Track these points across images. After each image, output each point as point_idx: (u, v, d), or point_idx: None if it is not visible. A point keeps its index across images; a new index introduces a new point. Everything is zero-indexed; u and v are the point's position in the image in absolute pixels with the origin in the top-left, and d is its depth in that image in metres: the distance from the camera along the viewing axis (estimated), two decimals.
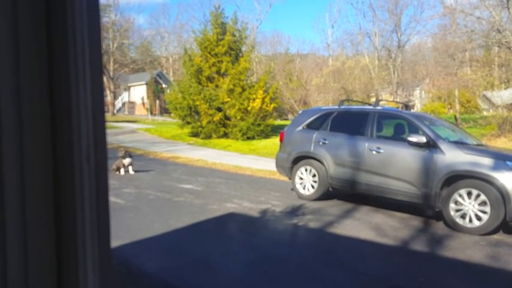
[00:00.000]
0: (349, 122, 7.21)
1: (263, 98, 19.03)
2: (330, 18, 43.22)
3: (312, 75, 31.16)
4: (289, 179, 7.74)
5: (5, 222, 0.62)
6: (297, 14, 63.05)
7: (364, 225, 5.69)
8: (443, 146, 5.92)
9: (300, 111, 8.59)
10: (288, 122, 26.55)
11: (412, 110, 11.64)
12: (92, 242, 0.70)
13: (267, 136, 18.90)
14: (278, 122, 25.27)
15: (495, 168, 5.38)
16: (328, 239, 5.23)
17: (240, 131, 18.54)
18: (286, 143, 7.83)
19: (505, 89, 23.13)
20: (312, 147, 7.28)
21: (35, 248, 0.65)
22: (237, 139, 18.39)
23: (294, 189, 7.56)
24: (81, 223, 0.69)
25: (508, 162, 5.44)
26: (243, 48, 20.91)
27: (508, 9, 20.36)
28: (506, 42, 20.32)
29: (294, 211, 6.47)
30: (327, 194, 7.25)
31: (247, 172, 10.99)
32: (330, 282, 3.76)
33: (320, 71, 32.34)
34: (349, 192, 7.27)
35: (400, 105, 9.48)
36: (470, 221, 5.42)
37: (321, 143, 7.21)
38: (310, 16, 67.46)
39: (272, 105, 19.61)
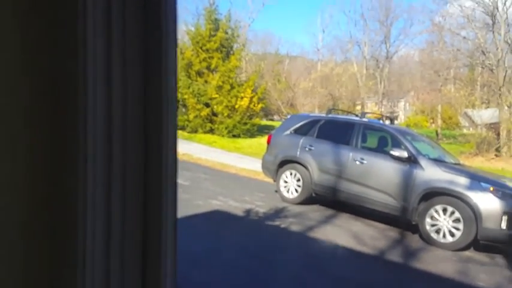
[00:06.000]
0: (336, 131, 7.43)
1: (251, 98, 19.18)
2: (322, 23, 43.35)
3: (300, 78, 31.44)
4: (274, 181, 7.92)
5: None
6: (289, 15, 63.13)
7: (344, 232, 5.92)
8: (423, 162, 6.21)
9: (289, 116, 8.81)
10: (273, 123, 26.77)
11: (395, 122, 12.01)
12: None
13: (252, 135, 19.05)
14: (264, 122, 25.45)
15: (470, 188, 5.69)
16: (309, 242, 5.44)
17: (226, 128, 18.64)
18: (273, 145, 8.01)
19: (486, 109, 23.96)
20: (298, 152, 7.48)
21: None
22: (223, 136, 18.49)
23: (277, 191, 7.74)
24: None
25: (483, 184, 5.76)
26: (235, 46, 21.01)
27: (493, 32, 21.07)
28: (489, 64, 21.05)
29: (277, 213, 6.65)
30: (310, 199, 7.46)
31: (232, 170, 11.13)
32: (309, 284, 3.95)
33: (308, 75, 32.65)
34: (331, 199, 7.49)
35: (384, 117, 9.78)
36: (444, 236, 5.71)
37: (307, 149, 7.41)
38: (302, 19, 67.51)
39: (259, 106, 19.80)
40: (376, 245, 5.48)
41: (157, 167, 0.62)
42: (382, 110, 30.21)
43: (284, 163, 7.69)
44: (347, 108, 26.81)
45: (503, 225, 5.48)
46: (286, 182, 7.59)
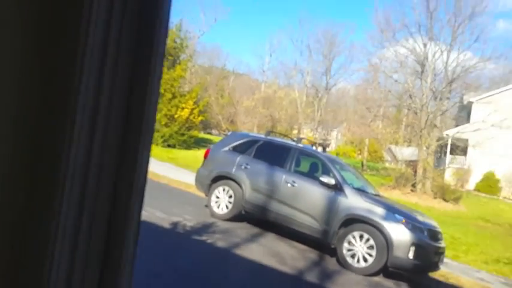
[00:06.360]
0: (273, 153, 7.72)
1: (192, 109, 19.17)
2: (270, 47, 44.48)
3: (243, 96, 32.00)
4: (206, 195, 7.97)
5: None
6: (239, 34, 64.50)
7: (268, 251, 6.12)
8: (347, 190, 6.67)
9: (229, 133, 8.98)
10: (211, 137, 26.77)
11: (327, 149, 12.70)
12: None
13: (188, 147, 18.95)
14: (202, 134, 25.40)
15: (385, 218, 6.21)
16: (233, 259, 5.56)
17: (161, 137, 18.35)
18: (209, 160, 8.10)
19: (407, 147, 26.09)
20: (234, 169, 7.63)
21: None
22: (157, 144, 18.16)
23: (208, 206, 7.79)
24: None
25: (397, 215, 6.32)
26: (182, 56, 20.98)
27: (421, 79, 23.15)
28: (415, 107, 23.03)
29: (205, 228, 6.70)
30: (239, 216, 7.59)
31: (164, 181, 10.96)
32: None
33: (252, 94, 33.39)
34: (260, 217, 7.69)
35: (317, 144, 10.31)
36: (358, 261, 6.14)
37: (243, 167, 7.59)
38: (252, 40, 69.24)
39: (200, 118, 19.82)
40: (296, 265, 5.75)
41: (131, 174, 0.71)
42: (317, 136, 31.62)
43: (218, 179, 7.79)
44: (284, 131, 27.71)
45: (411, 255, 6.02)
46: (218, 197, 7.67)
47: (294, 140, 8.54)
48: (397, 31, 24.28)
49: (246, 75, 41.87)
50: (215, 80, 32.94)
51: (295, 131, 31.37)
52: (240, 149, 7.89)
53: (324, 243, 6.66)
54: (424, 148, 21.49)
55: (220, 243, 6.00)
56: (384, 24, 24.77)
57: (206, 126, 30.34)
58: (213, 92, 29.70)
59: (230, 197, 7.55)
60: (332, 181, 6.73)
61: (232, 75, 39.06)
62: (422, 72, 22.76)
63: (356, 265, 6.14)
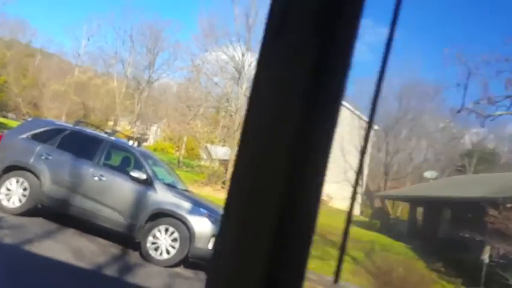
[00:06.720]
0: (80, 144, 7.25)
1: None
2: (88, 31, 40.45)
3: (52, 79, 28.55)
4: None
5: None
6: (51, 10, 57.05)
7: (65, 248, 5.74)
8: (157, 185, 6.81)
9: (30, 119, 8.03)
10: (7, 121, 23.02)
11: (144, 144, 12.61)
12: None
13: None
14: None
15: (191, 212, 6.61)
16: (23, 257, 5.03)
17: None
18: (2, 147, 7.08)
19: (222, 146, 27.97)
20: (32, 160, 6.87)
21: None
22: None
23: None
24: None
25: (201, 209, 6.79)
26: None
27: (238, 85, 25.25)
28: (231, 110, 24.95)
29: None
30: (34, 210, 6.86)
31: None
32: None
33: (63, 78, 30.09)
34: (59, 212, 7.11)
35: (134, 139, 10.18)
36: (161, 254, 6.35)
37: (43, 158, 6.90)
38: (67, 19, 62.12)
39: None
40: (96, 260, 5.58)
41: None
42: (135, 130, 30.77)
43: (11, 168, 6.90)
44: (99, 121, 26.01)
45: (210, 246, 6.56)
46: (9, 189, 6.78)
47: (106, 133, 8.21)
48: (220, 38, 25.82)
49: (56, 56, 37.40)
50: (17, 56, 28.35)
51: (111, 123, 29.79)
52: (41, 138, 7.14)
53: (129, 237, 6.64)
54: (236, 148, 23.45)
55: (8, 240, 5.34)
56: (207, 29, 25.97)
57: (1, 108, 25.87)
58: (13, 70, 25.52)
59: (25, 189, 6.77)
60: (143, 176, 6.76)
61: (39, 54, 34.36)
62: (239, 78, 24.84)
63: (158, 257, 6.33)
